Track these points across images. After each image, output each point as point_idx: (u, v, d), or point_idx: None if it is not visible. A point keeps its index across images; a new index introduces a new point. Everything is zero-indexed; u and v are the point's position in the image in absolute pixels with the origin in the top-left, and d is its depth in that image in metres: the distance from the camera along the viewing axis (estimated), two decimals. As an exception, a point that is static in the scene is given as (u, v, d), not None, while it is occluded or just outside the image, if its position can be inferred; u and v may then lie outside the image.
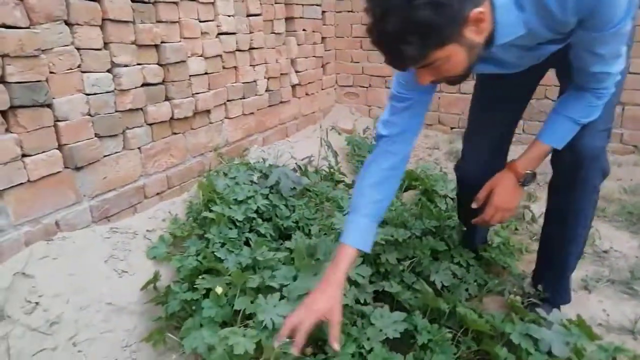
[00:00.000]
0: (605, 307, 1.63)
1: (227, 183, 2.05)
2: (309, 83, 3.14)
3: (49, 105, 1.53)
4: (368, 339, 1.26)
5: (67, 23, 1.54)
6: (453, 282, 1.58)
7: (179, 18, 1.98)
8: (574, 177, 1.28)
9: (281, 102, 2.85)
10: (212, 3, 2.17)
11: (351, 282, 1.51)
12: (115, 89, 1.74)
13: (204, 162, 2.25)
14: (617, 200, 2.48)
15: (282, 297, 1.34)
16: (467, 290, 1.60)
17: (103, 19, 1.66)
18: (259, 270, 1.52)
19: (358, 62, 3.41)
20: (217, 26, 2.22)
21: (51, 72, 1.51)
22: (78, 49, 1.59)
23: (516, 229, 2.22)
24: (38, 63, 1.46)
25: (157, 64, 1.92)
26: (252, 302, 1.34)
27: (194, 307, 1.43)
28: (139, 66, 1.83)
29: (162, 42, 1.91)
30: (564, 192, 1.33)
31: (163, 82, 1.96)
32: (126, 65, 1.77)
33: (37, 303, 1.39)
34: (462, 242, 1.80)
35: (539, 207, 2.23)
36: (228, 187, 2.01)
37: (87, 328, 1.42)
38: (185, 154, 2.15)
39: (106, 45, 1.70)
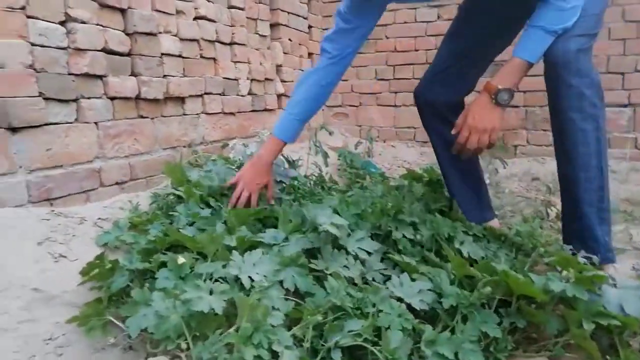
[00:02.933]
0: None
1: (202, 174, 1.74)
2: (296, 96, 2.92)
3: (-21, 45, 1.25)
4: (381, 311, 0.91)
5: (11, -46, 1.31)
6: (482, 255, 1.25)
7: (151, -13, 1.78)
8: (553, 87, 1.22)
9: (266, 110, 2.61)
10: (190, -17, 1.99)
11: (356, 257, 1.17)
12: (68, 46, 1.48)
13: (175, 156, 1.95)
14: (643, 202, 2.22)
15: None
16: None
17: (57, -38, 1.44)
18: (236, 232, 1.18)
19: (347, 80, 3.24)
20: (195, 8, 2.02)
21: (-15, 5, 1.25)
22: (24, -12, 1.35)
23: (541, 227, 1.91)
24: (-33, -13, 1.20)
25: (122, 31, 1.68)
26: (224, 267, 0.99)
27: (147, 285, 1.06)
28: (100, 27, 1.58)
29: (129, 8, 1.69)
30: (553, 108, 1.26)
31: (129, 54, 1.71)
32: (84, 22, 1.52)
33: None
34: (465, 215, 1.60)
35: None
36: (202, 178, 1.69)
37: (-3, 315, 1.04)
38: (154, 143, 1.85)
39: (61, -7, 1.46)
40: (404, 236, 1.27)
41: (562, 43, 1.20)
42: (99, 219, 1.50)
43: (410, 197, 1.72)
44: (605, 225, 1.29)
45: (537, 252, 1.25)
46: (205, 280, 0.94)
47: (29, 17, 1.36)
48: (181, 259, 1.05)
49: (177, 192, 1.49)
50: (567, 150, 1.27)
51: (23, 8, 1.34)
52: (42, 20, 1.40)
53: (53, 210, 1.42)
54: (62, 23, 1.46)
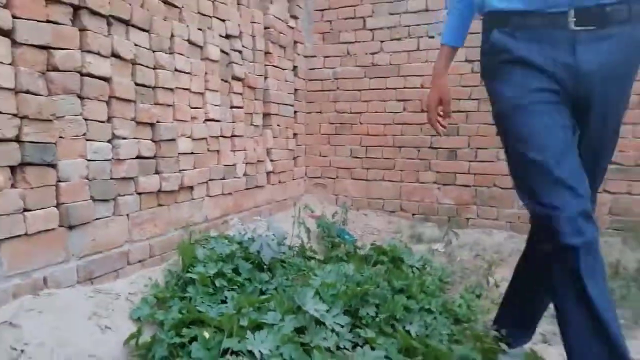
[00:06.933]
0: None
1: (207, 253, 2.15)
2: (282, 172, 3.39)
3: (54, 166, 1.67)
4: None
5: (79, 96, 1.75)
6: (426, 332, 1.69)
7: (174, 102, 2.24)
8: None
9: (257, 187, 3.06)
10: (202, 94, 2.47)
11: (331, 330, 1.60)
12: (113, 157, 1.91)
13: (184, 235, 2.36)
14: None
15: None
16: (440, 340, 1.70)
17: (110, 96, 1.89)
18: (247, 314, 1.59)
19: (326, 156, 3.75)
20: (205, 113, 2.49)
21: (60, 137, 1.68)
22: (85, 120, 1.78)
23: (478, 296, 2.37)
24: (51, 127, 1.63)
25: (151, 140, 2.12)
26: (239, 342, 1.41)
27: (180, 354, 1.46)
28: (136, 140, 2.02)
29: (157, 122, 2.14)
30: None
31: (155, 156, 2.15)
32: (125, 138, 1.96)
33: (22, 351, 1.39)
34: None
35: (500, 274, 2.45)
36: (207, 257, 2.11)
37: (70, 378, 1.42)
38: (168, 226, 2.27)
39: (110, 119, 1.90)
40: (367, 314, 1.71)
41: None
42: (129, 293, 1.90)
43: (377, 276, 2.16)
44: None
45: (469, 326, 1.70)
46: (226, 353, 1.35)
47: (87, 140, 1.80)
48: (206, 334, 1.46)
49: (191, 275, 1.89)
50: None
51: (84, 134, 1.78)
52: (97, 141, 1.83)
53: (94, 289, 1.81)
54: (109, 141, 1.90)
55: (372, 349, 1.54)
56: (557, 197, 1.18)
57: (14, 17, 1.51)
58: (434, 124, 1.58)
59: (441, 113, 1.57)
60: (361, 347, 1.54)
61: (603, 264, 1.22)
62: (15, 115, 1.52)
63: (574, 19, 1.18)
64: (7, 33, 1.50)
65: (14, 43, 1.53)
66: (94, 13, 1.80)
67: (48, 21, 1.63)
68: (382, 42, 3.50)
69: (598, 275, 1.18)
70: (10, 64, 1.51)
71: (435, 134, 3.27)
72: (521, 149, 1.25)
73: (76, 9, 1.74)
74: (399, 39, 3.44)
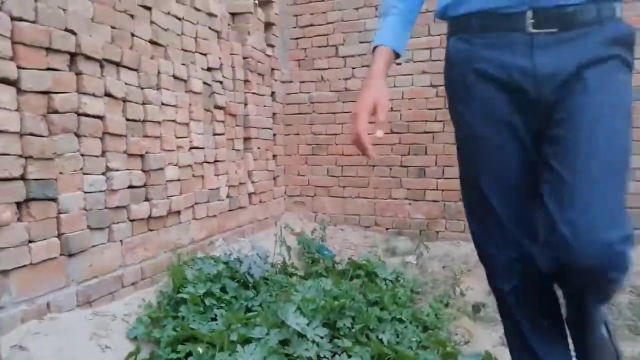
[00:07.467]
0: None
1: (195, 273, 2.32)
2: (262, 192, 3.58)
3: (55, 200, 1.82)
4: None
5: (76, 134, 1.91)
6: (397, 340, 1.90)
7: (161, 134, 2.41)
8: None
9: (239, 208, 3.23)
10: (187, 124, 2.64)
11: (312, 341, 1.79)
12: (107, 189, 2.07)
13: (172, 257, 2.51)
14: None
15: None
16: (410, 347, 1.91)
17: (103, 133, 2.05)
18: (236, 330, 1.77)
19: (304, 176, 3.95)
20: (190, 142, 2.67)
21: (60, 173, 1.84)
22: (82, 155, 1.94)
23: (447, 303, 2.60)
24: (52, 165, 1.79)
25: (141, 170, 2.29)
26: (230, 355, 1.58)
27: (177, 368, 1.63)
28: (127, 171, 2.19)
29: (146, 153, 2.31)
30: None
31: (144, 185, 2.31)
32: (117, 170, 2.12)
33: (32, 371, 1.54)
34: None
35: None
36: (196, 277, 2.27)
37: (76, 394, 1.57)
38: (158, 249, 2.42)
39: (104, 153, 2.06)
40: (344, 325, 1.90)
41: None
42: (125, 314, 2.05)
43: (353, 290, 2.36)
44: None
45: (434, 332, 1.91)
46: (219, 365, 1.53)
47: (84, 174, 1.95)
48: (200, 349, 1.63)
49: (182, 296, 2.06)
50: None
51: (81, 169, 1.94)
52: (92, 174, 1.99)
53: (93, 311, 1.96)
54: (103, 173, 2.06)
55: (349, 356, 1.74)
56: (499, 237, 1.19)
57: (18, 67, 1.68)
58: (362, 135, 1.18)
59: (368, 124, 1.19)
60: (339, 355, 1.74)
61: (542, 298, 1.20)
62: (20, 155, 1.68)
63: (532, 21, 1.09)
64: (13, 82, 1.66)
65: (19, 91, 1.69)
66: (88, 58, 1.97)
67: (48, 69, 1.79)
68: (353, 68, 3.74)
69: (534, 310, 1.19)
70: (16, 110, 1.67)
71: (404, 153, 3.49)
72: (476, 179, 1.21)
73: (72, 55, 1.91)
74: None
